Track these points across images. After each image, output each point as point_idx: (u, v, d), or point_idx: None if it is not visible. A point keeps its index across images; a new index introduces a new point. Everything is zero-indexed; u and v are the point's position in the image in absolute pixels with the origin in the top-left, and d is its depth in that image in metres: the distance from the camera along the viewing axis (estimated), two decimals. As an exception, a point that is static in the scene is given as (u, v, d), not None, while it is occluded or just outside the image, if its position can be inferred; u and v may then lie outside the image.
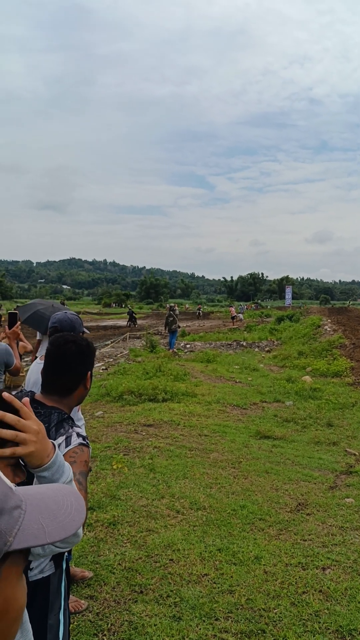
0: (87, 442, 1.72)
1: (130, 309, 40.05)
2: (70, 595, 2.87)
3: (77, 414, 2.98)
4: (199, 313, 44.52)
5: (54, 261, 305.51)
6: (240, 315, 39.24)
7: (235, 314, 37.47)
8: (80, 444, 1.69)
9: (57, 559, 1.69)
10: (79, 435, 1.71)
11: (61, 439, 1.69)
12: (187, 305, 69.46)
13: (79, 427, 1.78)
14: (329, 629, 2.73)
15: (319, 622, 2.78)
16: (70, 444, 1.67)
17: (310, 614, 2.85)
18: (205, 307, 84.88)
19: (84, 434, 1.75)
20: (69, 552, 2.99)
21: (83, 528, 1.52)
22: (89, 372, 1.91)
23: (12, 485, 0.71)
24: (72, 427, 1.75)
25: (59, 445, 1.66)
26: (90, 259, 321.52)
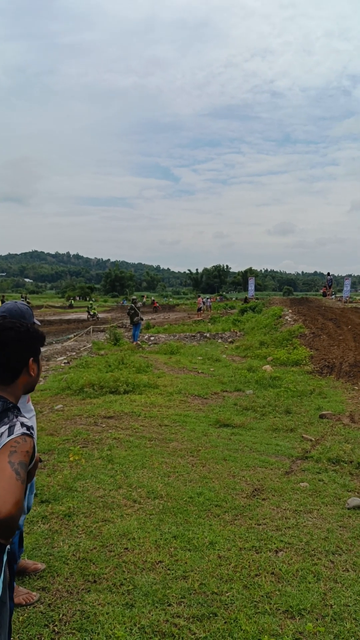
0: (31, 433, 1.68)
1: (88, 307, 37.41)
2: (21, 588, 2.84)
3: (28, 405, 2.92)
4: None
5: (15, 254, 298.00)
6: (209, 302, 39.86)
7: (202, 305, 37.58)
8: (24, 433, 1.64)
9: None
10: (22, 424, 1.67)
11: (4, 428, 1.65)
12: (152, 298, 69.21)
13: (25, 417, 1.74)
14: (279, 609, 2.79)
15: (270, 603, 2.83)
16: (12, 434, 1.63)
17: (262, 596, 2.90)
18: (170, 299, 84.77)
19: (30, 423, 1.71)
20: (20, 544, 2.95)
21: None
22: (31, 359, 1.87)
23: None
24: (16, 417, 1.70)
25: (1, 434, 1.63)
26: (53, 252, 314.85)
